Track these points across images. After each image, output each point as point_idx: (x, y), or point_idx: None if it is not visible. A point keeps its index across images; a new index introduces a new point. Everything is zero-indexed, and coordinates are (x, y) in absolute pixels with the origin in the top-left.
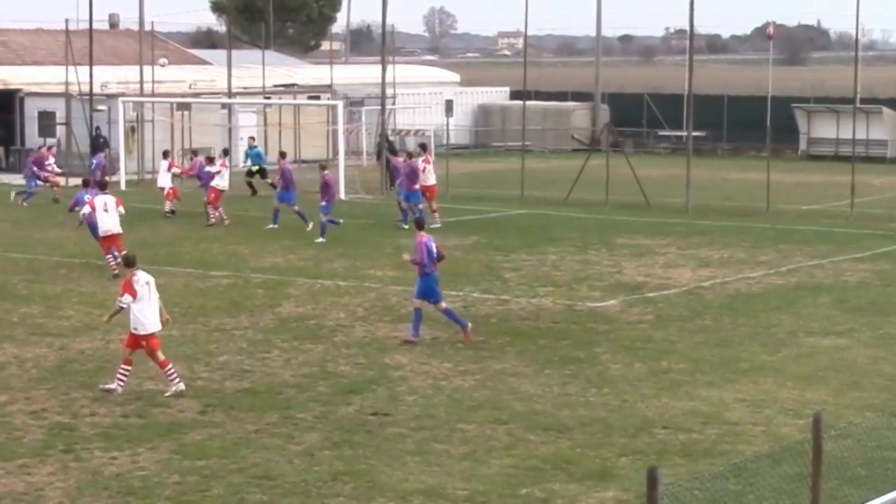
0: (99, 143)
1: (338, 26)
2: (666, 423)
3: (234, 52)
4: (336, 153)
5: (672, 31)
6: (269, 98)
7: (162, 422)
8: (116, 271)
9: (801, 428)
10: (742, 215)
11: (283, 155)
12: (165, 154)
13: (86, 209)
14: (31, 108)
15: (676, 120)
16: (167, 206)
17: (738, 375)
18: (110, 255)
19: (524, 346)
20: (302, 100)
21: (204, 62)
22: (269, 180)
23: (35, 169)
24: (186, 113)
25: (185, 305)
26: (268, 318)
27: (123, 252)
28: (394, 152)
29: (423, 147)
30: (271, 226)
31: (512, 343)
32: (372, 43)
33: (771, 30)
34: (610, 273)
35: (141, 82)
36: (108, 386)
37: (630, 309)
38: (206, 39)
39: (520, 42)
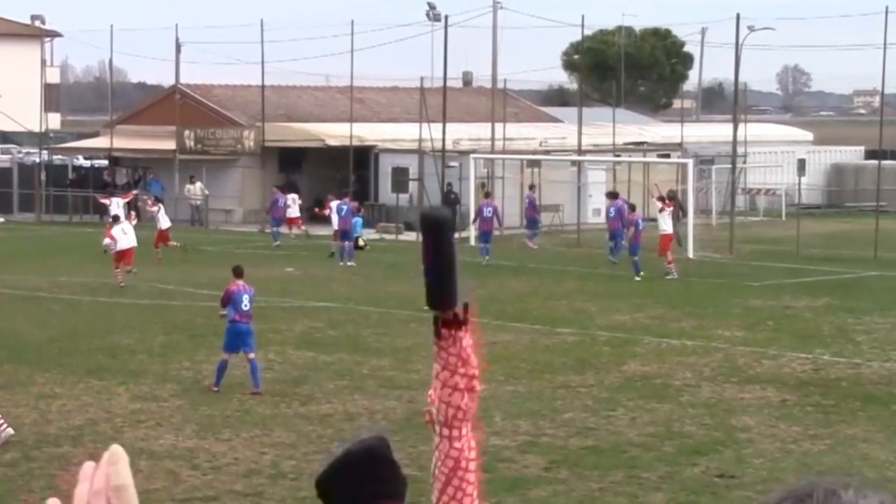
0: (450, 199)
1: (689, 84)
2: None
3: (585, 110)
4: (685, 211)
5: None
6: (618, 155)
7: (507, 476)
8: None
9: None
10: None
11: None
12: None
13: None
14: (385, 164)
15: None
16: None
17: None
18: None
19: (876, 411)
20: (652, 157)
21: (554, 119)
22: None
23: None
24: (536, 170)
25: (532, 362)
26: (613, 377)
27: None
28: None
29: (662, 197)
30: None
31: (863, 408)
32: (724, 101)
33: None
34: None
35: (492, 139)
36: None
37: None
38: (557, 97)
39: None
